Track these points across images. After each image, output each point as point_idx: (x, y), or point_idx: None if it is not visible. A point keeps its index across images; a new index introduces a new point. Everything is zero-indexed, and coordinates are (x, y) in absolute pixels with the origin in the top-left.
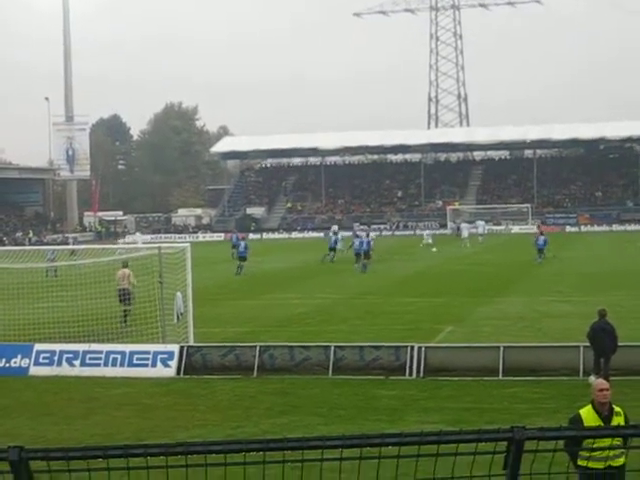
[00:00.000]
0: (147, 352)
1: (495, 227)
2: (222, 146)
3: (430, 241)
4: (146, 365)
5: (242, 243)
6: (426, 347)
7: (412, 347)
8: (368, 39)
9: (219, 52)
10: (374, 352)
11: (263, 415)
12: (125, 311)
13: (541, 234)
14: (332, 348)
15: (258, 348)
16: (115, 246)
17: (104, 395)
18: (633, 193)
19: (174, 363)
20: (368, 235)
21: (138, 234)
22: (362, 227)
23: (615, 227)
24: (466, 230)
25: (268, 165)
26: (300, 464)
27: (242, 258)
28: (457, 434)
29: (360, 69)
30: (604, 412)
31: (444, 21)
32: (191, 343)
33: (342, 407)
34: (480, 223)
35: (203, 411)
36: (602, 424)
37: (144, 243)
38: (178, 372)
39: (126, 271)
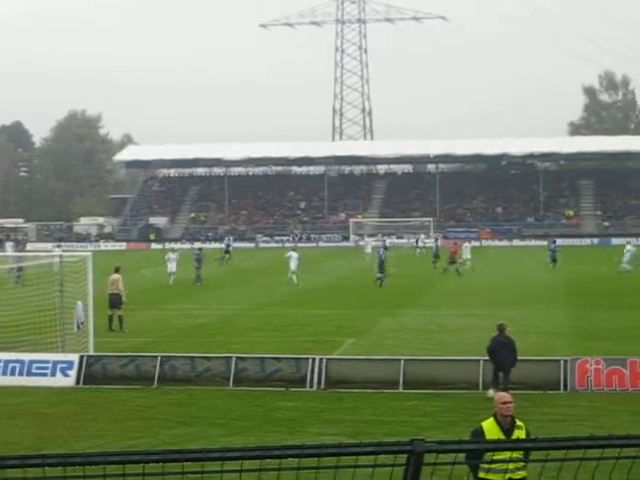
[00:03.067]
0: (46, 361)
1: (398, 240)
2: (126, 155)
3: (369, 251)
4: (45, 374)
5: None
6: (327, 359)
7: (313, 359)
8: (274, 51)
9: (126, 54)
10: (275, 364)
11: (163, 426)
12: (120, 317)
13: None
14: (233, 359)
15: (159, 358)
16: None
17: (1, 404)
18: (534, 209)
19: (74, 373)
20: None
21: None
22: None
23: (516, 242)
24: (369, 245)
25: (172, 175)
26: (200, 476)
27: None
28: (357, 446)
29: (266, 81)
30: (506, 425)
31: (350, 34)
32: (91, 353)
33: (243, 418)
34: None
35: (102, 421)
36: (504, 437)
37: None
38: (78, 382)
39: (116, 276)
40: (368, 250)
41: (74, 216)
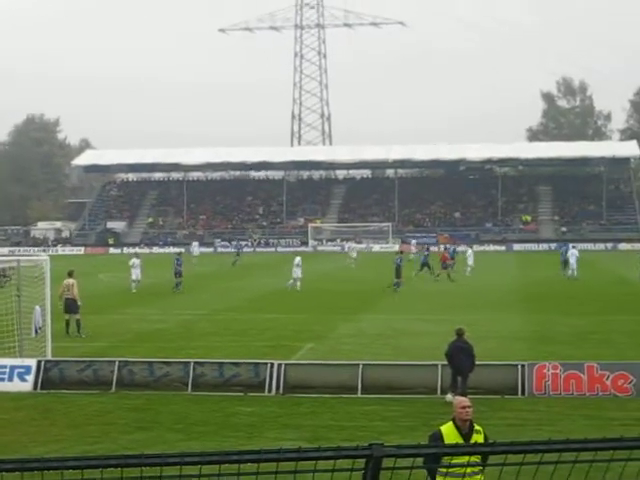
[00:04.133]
0: (4, 366)
1: (357, 245)
2: (84, 159)
3: (354, 255)
4: (2, 379)
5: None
6: (286, 364)
7: (272, 364)
8: (233, 56)
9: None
10: (234, 369)
11: (121, 431)
12: (77, 321)
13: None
14: (192, 364)
15: (117, 363)
16: None
17: None
18: (492, 214)
19: (31, 378)
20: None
21: None
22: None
23: (474, 247)
24: (355, 251)
25: (130, 179)
26: None
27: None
28: (316, 451)
29: (225, 85)
30: (465, 429)
31: (309, 39)
32: (49, 357)
33: (201, 423)
34: (413, 242)
35: (60, 426)
36: (462, 441)
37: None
38: (35, 387)
39: (70, 281)
40: (353, 255)
41: (31, 220)
